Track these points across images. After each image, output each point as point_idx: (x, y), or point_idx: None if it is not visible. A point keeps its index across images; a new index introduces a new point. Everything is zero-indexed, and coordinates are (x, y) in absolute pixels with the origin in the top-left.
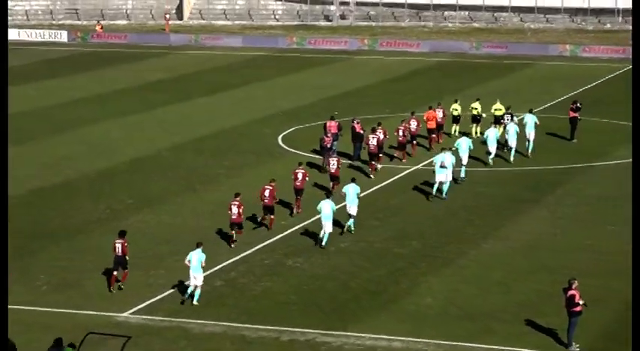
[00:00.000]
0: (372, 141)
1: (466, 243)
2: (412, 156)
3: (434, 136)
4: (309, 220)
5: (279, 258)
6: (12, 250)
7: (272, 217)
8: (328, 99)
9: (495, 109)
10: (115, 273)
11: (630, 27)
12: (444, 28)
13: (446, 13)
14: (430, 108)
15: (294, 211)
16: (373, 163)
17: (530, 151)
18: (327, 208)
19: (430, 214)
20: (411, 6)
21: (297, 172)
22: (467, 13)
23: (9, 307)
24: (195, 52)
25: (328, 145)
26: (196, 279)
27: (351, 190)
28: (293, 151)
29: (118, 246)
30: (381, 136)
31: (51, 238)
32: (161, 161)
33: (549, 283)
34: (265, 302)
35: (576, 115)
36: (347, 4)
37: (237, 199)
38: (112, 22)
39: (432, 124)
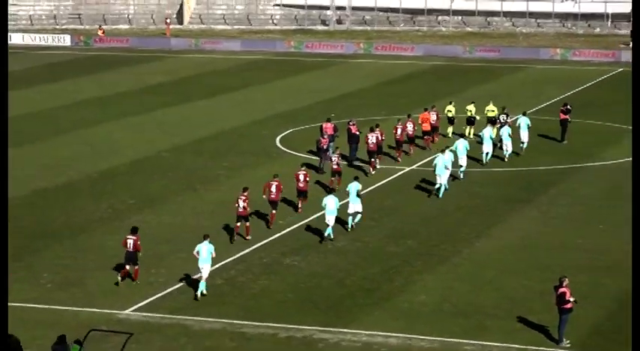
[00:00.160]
0: (371, 139)
1: (460, 242)
2: (410, 155)
3: (428, 137)
4: (307, 220)
5: (277, 257)
6: (17, 249)
7: (274, 212)
8: (325, 101)
9: (488, 111)
10: (127, 267)
11: (619, 31)
12: (437, 32)
13: (439, 17)
14: (425, 110)
15: (299, 209)
16: (372, 160)
17: (523, 151)
18: (331, 203)
19: (424, 214)
20: (406, 11)
21: (299, 174)
22: (460, 17)
23: (14, 304)
24: (195, 56)
25: (325, 147)
26: (203, 269)
27: (353, 189)
28: (290, 152)
29: (130, 242)
30: (380, 137)
31: (54, 238)
32: (162, 162)
33: (541, 280)
34: (263, 300)
35: (567, 117)
36: (343, 8)
37: (245, 193)
38: (114, 27)
39: (427, 127)
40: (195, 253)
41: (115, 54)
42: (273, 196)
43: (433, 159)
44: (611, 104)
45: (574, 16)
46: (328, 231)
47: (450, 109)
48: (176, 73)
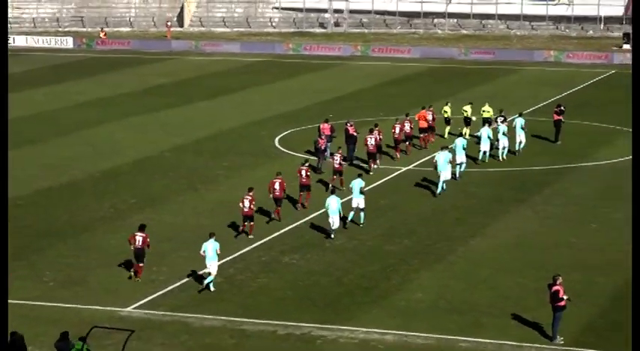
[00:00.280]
0: (370, 141)
1: (455, 241)
2: (408, 154)
3: (425, 135)
4: (305, 219)
5: (276, 255)
6: (20, 247)
7: (279, 208)
8: (323, 102)
9: (484, 111)
10: (139, 265)
11: (611, 34)
12: (433, 34)
13: (435, 20)
14: (423, 108)
15: (305, 205)
16: (371, 161)
17: (520, 150)
18: (334, 203)
19: (421, 213)
20: (402, 14)
21: (301, 170)
22: (455, 20)
23: (18, 302)
24: (195, 58)
25: (322, 147)
26: (211, 267)
27: (357, 185)
28: (289, 152)
29: (139, 239)
30: (379, 137)
31: (57, 236)
32: (163, 162)
33: (535, 279)
34: (263, 298)
35: (560, 118)
36: (341, 11)
37: (250, 193)
38: (115, 29)
39: (424, 124)
40: (202, 252)
41: (116, 56)
42: (277, 193)
43: (430, 158)
44: (604, 105)
45: (567, 19)
46: (335, 227)
47: (446, 110)
48: (177, 74)
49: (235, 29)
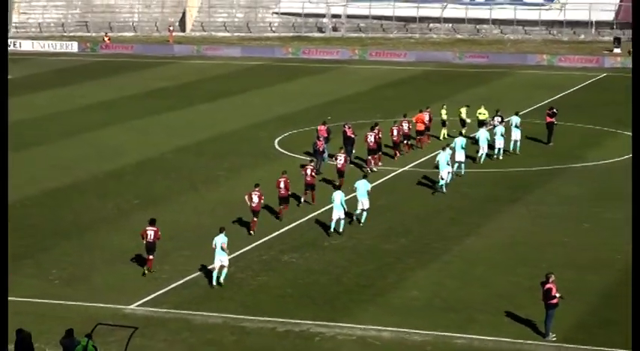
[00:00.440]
0: (370, 138)
1: (450, 240)
2: (406, 154)
3: (422, 137)
4: (305, 219)
5: (276, 254)
6: (27, 246)
7: (286, 206)
8: (321, 105)
9: (479, 113)
10: (150, 257)
11: (602, 38)
12: (429, 39)
13: (431, 25)
14: (420, 111)
15: (311, 202)
16: (369, 157)
17: (517, 150)
18: (337, 198)
19: (417, 213)
20: (399, 19)
21: (307, 168)
22: (450, 25)
23: (24, 299)
24: (197, 62)
25: (321, 149)
26: (222, 261)
27: (362, 186)
28: (288, 153)
29: (151, 233)
30: (379, 136)
31: (63, 235)
32: (165, 163)
33: (528, 277)
34: (263, 295)
35: (553, 120)
36: (339, 16)
37: (257, 189)
38: (119, 34)
39: (421, 126)
40: (213, 245)
41: (120, 60)
42: (282, 192)
43: (427, 159)
44: (595, 107)
45: (559, 24)
46: (341, 225)
47: (442, 113)
48: (179, 78)
49: (236, 34)
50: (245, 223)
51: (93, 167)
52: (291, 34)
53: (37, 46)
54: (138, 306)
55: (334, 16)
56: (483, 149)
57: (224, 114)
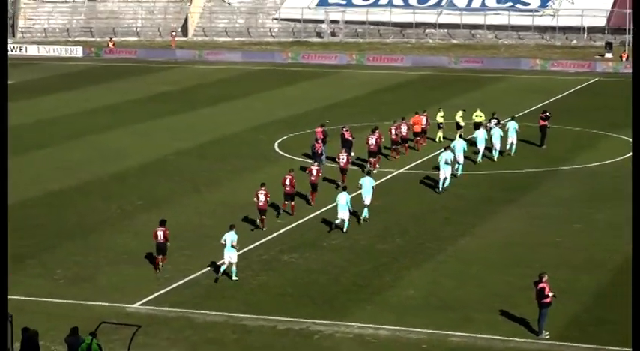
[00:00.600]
0: (372, 141)
1: (446, 240)
2: (405, 155)
3: (419, 138)
4: (304, 219)
5: (275, 254)
6: (32, 246)
7: (292, 203)
8: (320, 109)
9: (476, 116)
10: (159, 257)
11: (594, 43)
12: (425, 44)
13: (427, 30)
14: (417, 113)
15: (311, 203)
16: (371, 159)
17: (512, 153)
18: (342, 199)
19: (413, 214)
20: (395, 24)
21: (312, 169)
22: (446, 30)
23: (30, 298)
24: (199, 67)
25: (319, 151)
26: (231, 258)
27: (367, 183)
28: (287, 156)
29: (160, 234)
30: (379, 138)
31: (67, 236)
32: (168, 166)
33: (521, 276)
34: (263, 294)
35: (546, 123)
36: (337, 22)
37: (263, 188)
38: (123, 39)
39: (418, 129)
40: (222, 241)
41: (124, 65)
42: (287, 189)
43: (423, 162)
44: (587, 111)
45: (552, 29)
46: (345, 225)
47: (438, 116)
48: (181, 82)
49: (237, 39)
50: (245, 223)
51: (97, 170)
52: (291, 40)
53: (43, 50)
54: (141, 305)
55: (333, 21)
56: (481, 150)
57: (225, 117)
